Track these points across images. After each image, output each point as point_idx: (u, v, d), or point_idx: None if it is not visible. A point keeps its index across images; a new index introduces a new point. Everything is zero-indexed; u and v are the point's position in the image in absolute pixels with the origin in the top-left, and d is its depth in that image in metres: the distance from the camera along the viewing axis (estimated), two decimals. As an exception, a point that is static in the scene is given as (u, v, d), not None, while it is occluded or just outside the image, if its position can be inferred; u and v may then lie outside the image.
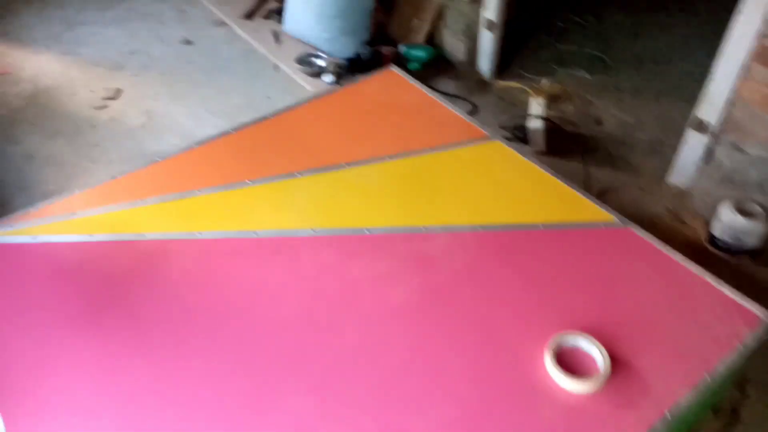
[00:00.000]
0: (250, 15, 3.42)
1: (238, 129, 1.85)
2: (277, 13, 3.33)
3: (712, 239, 1.99)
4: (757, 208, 1.89)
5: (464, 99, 2.78)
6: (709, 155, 2.12)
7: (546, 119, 2.43)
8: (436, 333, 1.29)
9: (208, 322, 1.31)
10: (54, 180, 2.41)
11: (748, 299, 1.34)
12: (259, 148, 1.78)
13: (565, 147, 2.47)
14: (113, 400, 1.17)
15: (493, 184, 1.66)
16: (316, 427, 1.13)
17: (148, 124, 2.72)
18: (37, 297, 1.37)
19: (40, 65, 3.07)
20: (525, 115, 2.51)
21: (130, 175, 1.71)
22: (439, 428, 1.13)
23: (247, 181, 1.66)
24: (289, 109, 1.92)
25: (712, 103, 2.05)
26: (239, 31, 3.33)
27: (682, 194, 2.22)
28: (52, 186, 2.38)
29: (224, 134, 1.83)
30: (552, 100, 2.68)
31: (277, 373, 1.22)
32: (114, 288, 1.39)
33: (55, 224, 1.55)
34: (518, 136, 2.47)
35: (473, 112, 2.71)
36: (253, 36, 3.27)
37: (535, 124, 2.40)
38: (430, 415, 1.15)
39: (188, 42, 3.26)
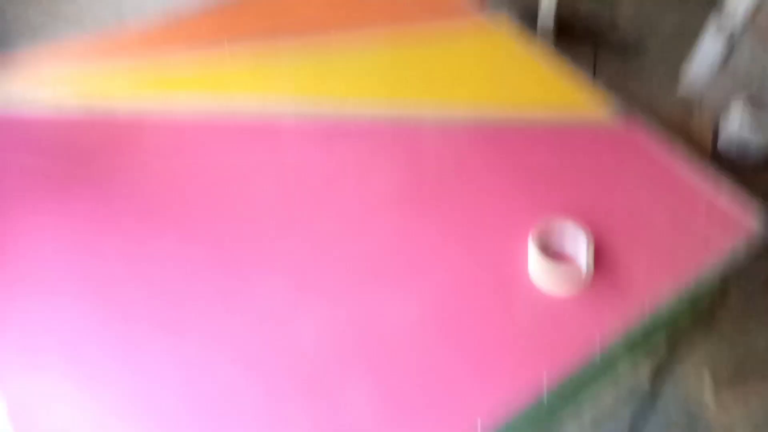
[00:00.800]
0: None
1: (220, -7, 1.68)
2: None
3: (718, 144, 1.90)
4: (767, 115, 1.79)
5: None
6: (726, 57, 1.98)
7: (557, 14, 2.24)
8: (417, 225, 1.23)
9: (180, 203, 1.24)
10: (24, 40, 2.25)
11: (745, 205, 1.28)
12: (242, 17, 1.62)
13: (576, 36, 2.30)
14: (80, 279, 1.12)
15: (492, 68, 1.53)
16: (288, 315, 1.09)
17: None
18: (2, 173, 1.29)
19: None
20: (536, 7, 2.30)
21: (104, 34, 1.57)
22: (415, 319, 1.10)
23: (226, 50, 1.53)
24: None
25: (734, 3, 1.87)
26: None
27: (692, 96, 2.10)
28: (22, 43, 2.21)
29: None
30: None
31: (251, 258, 1.17)
32: (82, 163, 1.31)
33: (21, 82, 1.43)
34: (526, 19, 2.28)
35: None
36: None
37: (546, 7, 2.21)
38: (407, 307, 1.11)
39: None
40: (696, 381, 1.45)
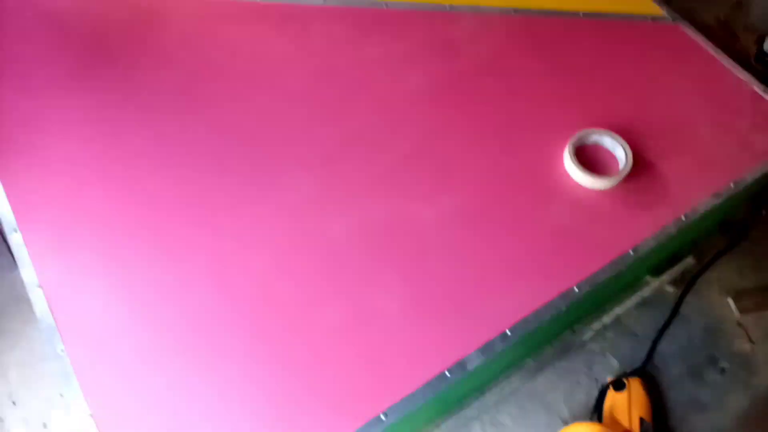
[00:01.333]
0: None
1: None
2: None
3: (762, 56, 1.80)
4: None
5: None
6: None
7: None
8: (452, 121, 1.19)
9: (206, 90, 1.20)
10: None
11: (790, 111, 1.23)
12: None
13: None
14: (105, 159, 1.10)
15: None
16: (319, 209, 1.07)
17: None
18: (25, 47, 1.25)
19: None
20: None
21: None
22: (449, 216, 1.08)
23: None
24: None
25: None
26: None
27: (739, 4, 1.98)
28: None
29: None
30: None
31: (278, 148, 1.14)
32: (107, 44, 1.26)
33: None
34: None
35: None
36: None
37: None
38: (439, 201, 1.09)
39: None
40: (719, 291, 1.45)
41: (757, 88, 1.26)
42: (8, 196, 1.03)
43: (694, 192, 1.14)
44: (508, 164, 1.15)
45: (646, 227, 1.09)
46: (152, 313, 0.92)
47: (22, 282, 0.94)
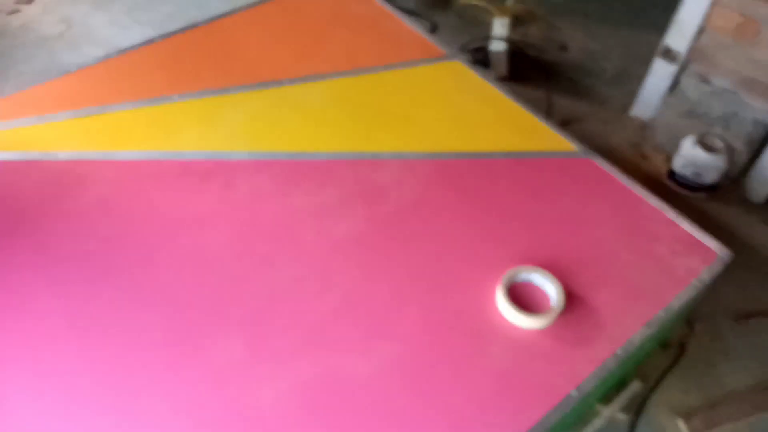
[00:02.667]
0: None
1: (166, 37, 1.63)
2: None
3: (672, 174, 1.93)
4: (719, 143, 1.83)
5: (422, 17, 2.58)
6: (674, 86, 2.03)
7: (509, 42, 2.28)
8: (381, 268, 1.19)
9: (127, 254, 1.17)
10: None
11: (705, 234, 1.29)
12: (188, 60, 1.57)
13: (527, 73, 2.33)
14: (19, 340, 1.03)
15: (449, 108, 1.52)
16: (246, 377, 1.02)
17: (65, 33, 2.42)
18: None
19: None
20: (487, 36, 2.34)
21: (41, 86, 1.50)
22: (382, 368, 1.04)
23: (174, 95, 1.47)
24: (223, 16, 1.70)
25: (681, 31, 1.93)
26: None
27: (644, 127, 2.15)
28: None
29: (149, 43, 1.61)
30: (516, 21, 2.51)
31: (204, 310, 1.10)
32: (20, 213, 1.22)
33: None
34: (479, 59, 2.31)
35: (432, 31, 2.52)
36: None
37: (497, 46, 2.24)
38: (374, 355, 1.06)
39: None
40: (669, 413, 1.43)
41: (670, 215, 1.33)
42: None
43: (627, 324, 1.14)
44: (442, 309, 1.14)
45: (586, 364, 1.08)
46: None
47: None
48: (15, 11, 2.48)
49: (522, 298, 1.15)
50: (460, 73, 1.61)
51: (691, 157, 1.84)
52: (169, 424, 0.95)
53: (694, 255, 1.26)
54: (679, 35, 1.94)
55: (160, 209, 1.25)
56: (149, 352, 1.04)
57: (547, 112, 2.15)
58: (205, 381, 1.01)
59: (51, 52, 2.33)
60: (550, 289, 1.16)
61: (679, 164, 1.89)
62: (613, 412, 1.40)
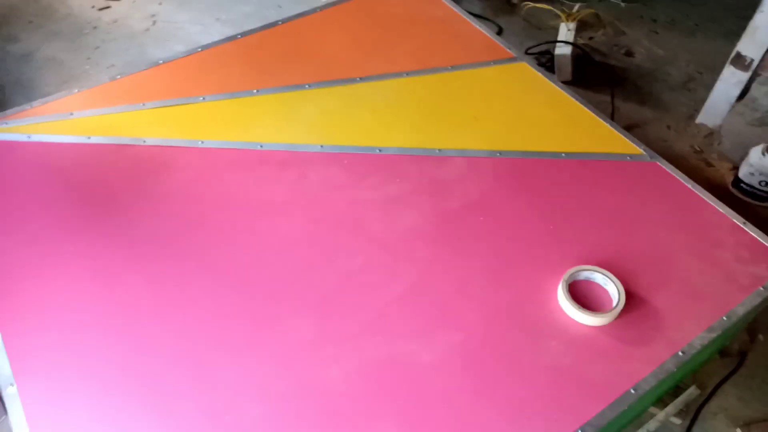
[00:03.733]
0: None
1: (246, 35, 1.73)
2: None
3: (738, 182, 1.90)
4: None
5: (489, 20, 2.61)
6: (744, 94, 1.99)
7: (575, 46, 2.28)
8: (445, 261, 1.23)
9: (206, 236, 1.26)
10: (52, 81, 2.31)
11: (768, 240, 1.28)
12: (267, 57, 1.67)
13: (592, 77, 2.33)
14: (105, 309, 1.13)
15: (515, 109, 1.55)
16: (314, 351, 1.08)
17: (152, 29, 2.58)
18: (31, 197, 1.31)
19: (39, -40, 2.89)
20: (553, 41, 2.35)
21: (132, 76, 1.61)
22: (444, 357, 1.09)
23: (253, 90, 1.57)
24: (300, 16, 1.79)
25: (755, 38, 1.90)
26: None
27: (710, 134, 2.11)
28: (51, 87, 2.28)
29: (231, 40, 1.71)
30: (582, 26, 2.52)
31: (276, 293, 1.17)
32: (110, 193, 1.33)
33: (52, 123, 1.47)
34: (544, 63, 2.33)
35: (498, 34, 2.55)
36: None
37: (562, 50, 2.25)
38: (436, 343, 1.10)
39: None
40: (726, 422, 1.42)
41: (736, 220, 1.32)
42: (6, 348, 1.04)
43: (688, 327, 1.15)
44: (504, 303, 1.17)
45: (644, 364, 1.10)
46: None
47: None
48: (106, 7, 2.67)
49: (583, 296, 1.18)
50: (527, 74, 1.64)
51: (759, 165, 1.80)
52: (242, 392, 1.02)
53: (760, 262, 1.25)
54: (753, 42, 1.91)
55: (239, 195, 1.34)
56: (225, 328, 1.11)
57: (611, 117, 2.15)
58: (276, 356, 1.07)
59: (139, 46, 2.49)
60: (611, 288, 1.18)
61: (745, 172, 1.85)
62: (667, 415, 1.40)
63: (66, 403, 0.99)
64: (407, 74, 1.62)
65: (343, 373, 1.06)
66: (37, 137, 1.43)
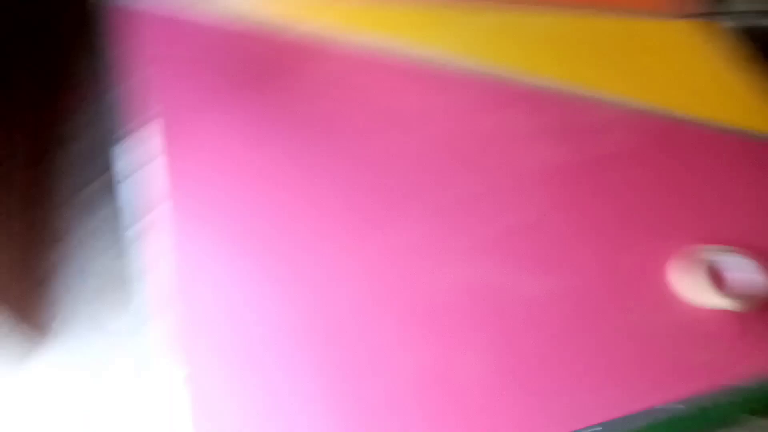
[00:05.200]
0: None
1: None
2: None
3: None
4: None
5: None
6: None
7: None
8: (565, 205, 1.20)
9: (343, 130, 1.29)
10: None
11: None
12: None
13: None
14: (262, 161, 1.22)
15: (679, 70, 1.43)
16: (420, 259, 1.11)
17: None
18: (206, 55, 1.41)
19: None
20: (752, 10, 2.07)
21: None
22: (551, 296, 1.07)
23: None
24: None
25: None
26: None
27: None
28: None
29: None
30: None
31: (398, 194, 1.20)
32: (268, 73, 1.39)
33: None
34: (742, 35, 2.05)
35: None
36: None
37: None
38: (545, 281, 1.09)
39: None
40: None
41: None
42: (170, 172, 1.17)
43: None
44: (619, 263, 1.12)
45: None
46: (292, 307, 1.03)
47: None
48: None
49: (712, 277, 1.09)
50: (715, 36, 1.50)
51: None
52: (345, 283, 1.08)
53: None
54: None
55: (382, 98, 1.36)
56: (346, 216, 1.16)
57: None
58: (384, 254, 1.12)
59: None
60: (748, 271, 1.09)
61: None
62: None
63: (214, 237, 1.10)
64: (571, 9, 1.53)
65: (447, 286, 1.08)
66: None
